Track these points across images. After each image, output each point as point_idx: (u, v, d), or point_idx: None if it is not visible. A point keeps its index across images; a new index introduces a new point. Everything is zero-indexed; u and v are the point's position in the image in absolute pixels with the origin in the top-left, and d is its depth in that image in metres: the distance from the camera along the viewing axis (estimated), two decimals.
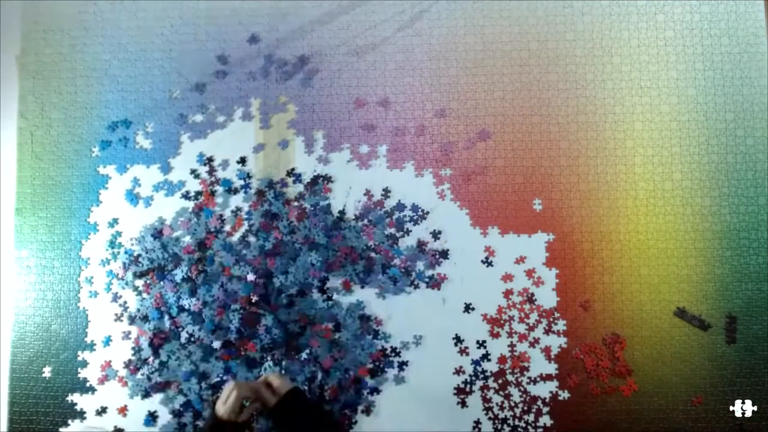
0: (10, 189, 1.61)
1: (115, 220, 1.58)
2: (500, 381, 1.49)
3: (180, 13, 1.63)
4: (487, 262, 1.53)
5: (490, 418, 1.48)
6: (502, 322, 1.51)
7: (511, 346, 1.50)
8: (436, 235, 1.54)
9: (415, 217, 1.55)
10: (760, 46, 1.57)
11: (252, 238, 1.54)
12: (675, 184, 1.55)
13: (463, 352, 1.50)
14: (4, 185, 1.61)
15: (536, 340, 1.50)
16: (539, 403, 1.48)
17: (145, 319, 1.53)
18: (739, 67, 1.57)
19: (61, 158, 1.61)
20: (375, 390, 1.49)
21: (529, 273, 1.52)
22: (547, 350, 1.50)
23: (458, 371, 1.50)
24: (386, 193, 1.56)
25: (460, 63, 1.59)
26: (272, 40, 1.61)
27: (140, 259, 1.55)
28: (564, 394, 1.49)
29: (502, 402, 1.49)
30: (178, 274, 1.53)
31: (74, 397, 1.53)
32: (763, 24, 1.57)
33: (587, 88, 1.58)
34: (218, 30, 1.62)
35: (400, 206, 1.55)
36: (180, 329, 1.52)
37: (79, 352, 1.54)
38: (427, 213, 1.55)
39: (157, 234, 1.56)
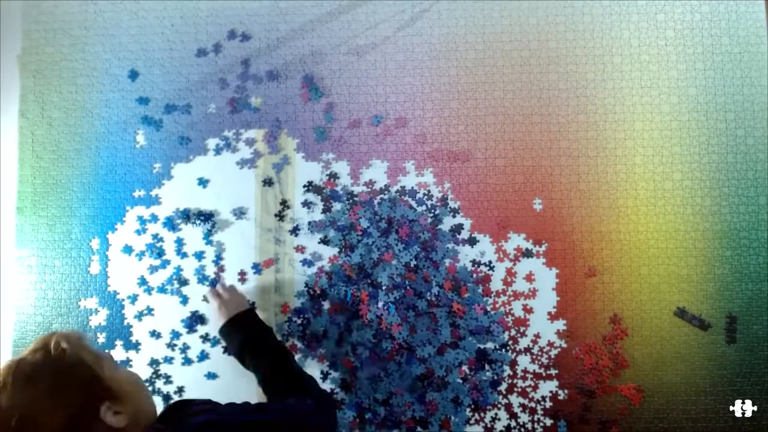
0: (11, 188, 1.61)
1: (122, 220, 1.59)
2: (499, 381, 1.49)
3: (180, 13, 1.63)
4: (487, 263, 1.53)
5: (489, 419, 1.48)
6: (500, 321, 1.51)
7: (510, 344, 1.51)
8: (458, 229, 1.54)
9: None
10: (761, 46, 1.57)
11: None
12: (675, 184, 1.54)
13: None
14: (5, 184, 1.62)
15: (535, 341, 1.51)
16: (539, 403, 1.49)
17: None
18: (739, 67, 1.57)
19: (61, 157, 1.61)
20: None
21: (529, 273, 1.53)
22: (547, 350, 1.50)
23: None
24: (392, 181, 1.56)
25: (460, 63, 1.59)
26: (272, 39, 1.62)
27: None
28: (564, 394, 1.49)
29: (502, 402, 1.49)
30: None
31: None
32: (763, 24, 1.57)
33: (587, 87, 1.57)
34: (218, 30, 1.62)
35: (412, 192, 1.55)
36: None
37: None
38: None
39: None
